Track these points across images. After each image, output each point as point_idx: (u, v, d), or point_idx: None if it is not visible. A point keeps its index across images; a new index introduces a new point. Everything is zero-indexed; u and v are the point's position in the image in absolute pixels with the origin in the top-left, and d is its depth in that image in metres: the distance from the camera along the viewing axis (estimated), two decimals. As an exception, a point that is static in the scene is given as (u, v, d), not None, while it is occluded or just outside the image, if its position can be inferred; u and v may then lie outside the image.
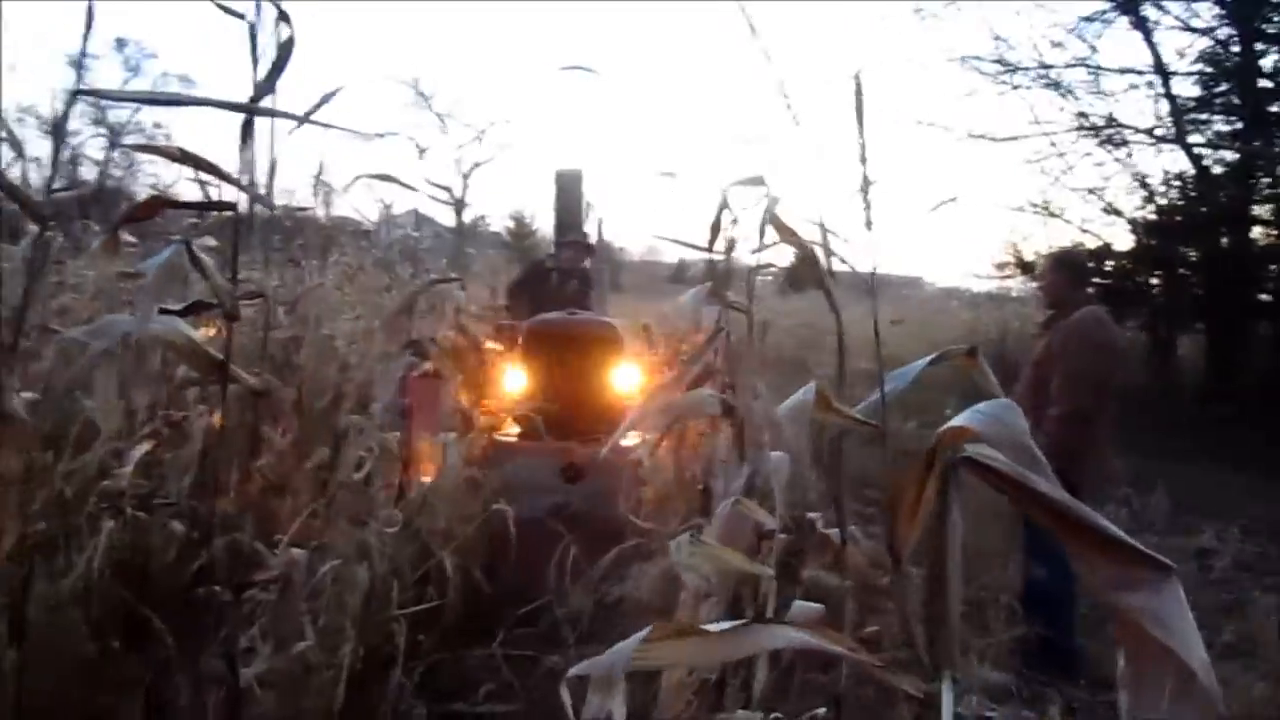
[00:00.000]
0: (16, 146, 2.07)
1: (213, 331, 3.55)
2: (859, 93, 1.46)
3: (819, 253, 1.79)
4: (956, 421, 0.91)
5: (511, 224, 35.65)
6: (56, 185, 1.63)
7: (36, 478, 3.30)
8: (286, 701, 2.16)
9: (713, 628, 0.88)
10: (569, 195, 6.39)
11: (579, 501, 4.01)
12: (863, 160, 1.40)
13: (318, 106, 1.75)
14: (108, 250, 1.83)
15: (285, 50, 1.76)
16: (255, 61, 1.75)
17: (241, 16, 1.78)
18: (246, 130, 1.71)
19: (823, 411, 1.38)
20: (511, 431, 4.45)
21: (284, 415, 5.32)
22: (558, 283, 5.76)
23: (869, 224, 1.40)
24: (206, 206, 1.87)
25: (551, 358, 4.53)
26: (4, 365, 1.44)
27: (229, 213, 1.80)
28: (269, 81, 1.72)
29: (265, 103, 1.69)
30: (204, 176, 1.83)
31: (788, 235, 1.84)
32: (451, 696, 3.00)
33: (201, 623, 2.24)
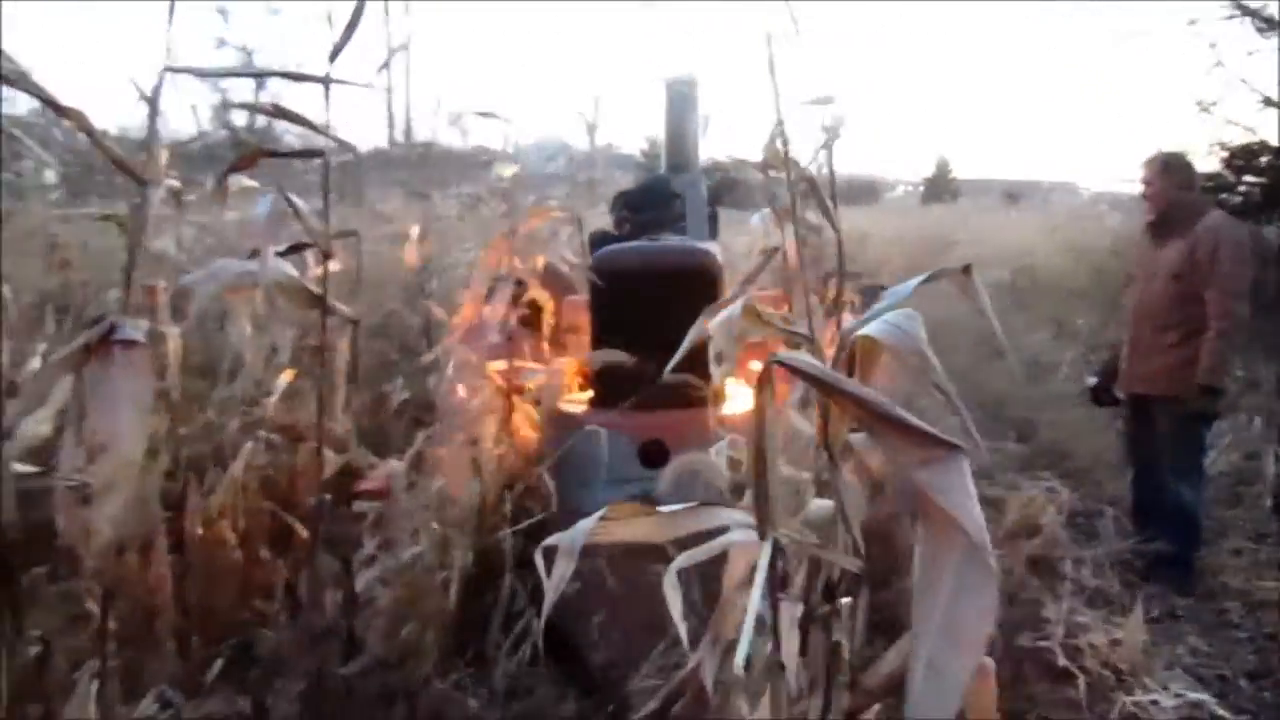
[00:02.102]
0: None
1: (336, 267, 3.82)
2: None
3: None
4: (865, 331, 1.00)
5: (646, 145, 35.66)
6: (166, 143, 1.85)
7: (193, 405, 3.68)
8: (403, 602, 2.40)
9: (665, 509, 1.01)
10: (680, 107, 5.56)
11: (664, 492, 3.24)
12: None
13: (385, 64, 1.91)
14: (216, 199, 2.04)
15: (357, 13, 1.92)
16: (331, 23, 1.90)
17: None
18: (327, 88, 1.89)
19: (751, 321, 1.36)
20: (578, 398, 3.51)
21: (413, 342, 5.64)
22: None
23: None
24: (297, 154, 2.05)
25: (627, 300, 3.34)
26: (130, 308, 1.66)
27: (318, 159, 1.98)
28: (344, 40, 1.88)
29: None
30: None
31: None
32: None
33: (333, 532, 2.48)
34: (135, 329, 1.28)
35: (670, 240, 3.76)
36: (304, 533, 2.56)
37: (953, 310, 9.20)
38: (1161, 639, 3.53)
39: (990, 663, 1.03)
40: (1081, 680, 2.77)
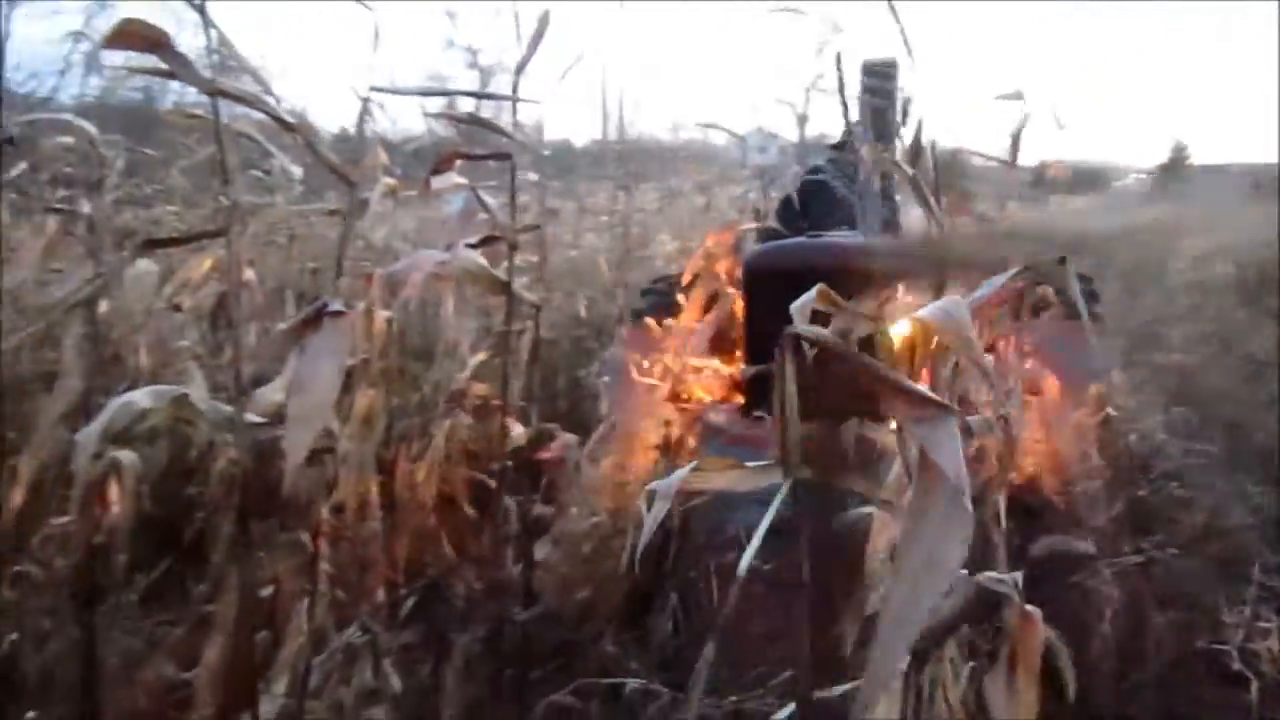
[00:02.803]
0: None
1: (536, 258, 4.14)
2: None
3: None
4: (919, 314, 1.09)
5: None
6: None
7: (407, 382, 4.07)
8: (578, 562, 2.63)
9: (751, 464, 1.16)
10: (879, 91, 5.45)
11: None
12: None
13: (565, 74, 2.13)
14: (421, 196, 2.32)
15: (542, 25, 2.14)
16: (518, 37, 2.14)
17: (511, -2, 2.17)
18: (515, 97, 2.13)
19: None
20: (727, 406, 3.28)
21: (611, 330, 5.93)
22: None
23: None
24: (488, 157, 2.30)
25: (782, 302, 3.02)
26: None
27: (506, 160, 2.22)
28: (528, 55, 2.11)
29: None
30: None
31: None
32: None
33: (515, 496, 2.74)
34: (342, 303, 1.54)
35: (832, 236, 3.46)
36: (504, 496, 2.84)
37: (1175, 306, 8.71)
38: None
39: (1036, 611, 1.12)
40: (1255, 686, 2.68)
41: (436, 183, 2.41)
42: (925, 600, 0.74)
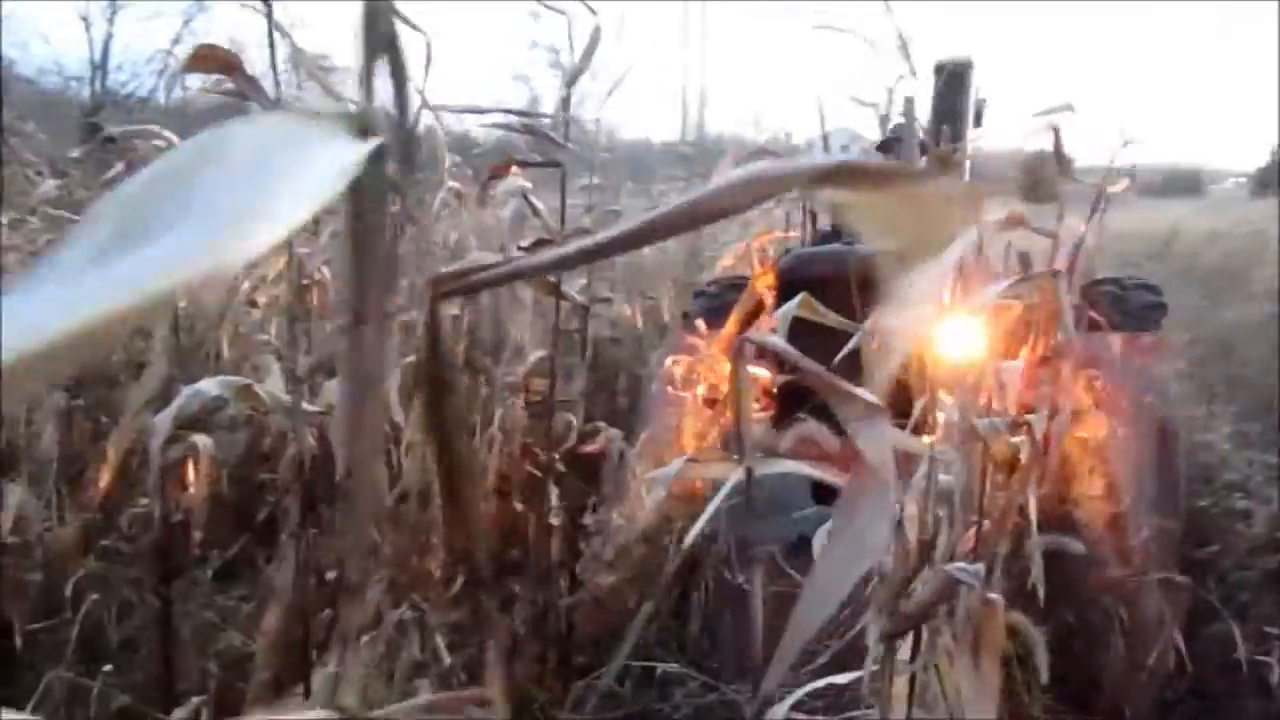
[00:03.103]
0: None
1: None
2: None
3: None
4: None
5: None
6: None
7: (475, 376, 4.24)
8: (622, 555, 2.75)
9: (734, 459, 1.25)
10: (953, 91, 5.17)
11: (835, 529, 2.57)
12: None
13: (610, 91, 2.25)
14: (479, 202, 2.46)
15: (594, 40, 2.26)
16: (571, 48, 2.26)
17: (562, 12, 2.29)
18: (565, 104, 2.26)
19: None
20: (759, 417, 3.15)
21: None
22: None
23: None
24: (540, 165, 2.43)
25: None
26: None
27: (556, 167, 2.35)
28: (580, 69, 2.22)
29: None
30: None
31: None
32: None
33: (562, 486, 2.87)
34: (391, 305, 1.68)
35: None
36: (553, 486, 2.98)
37: (1255, 314, 8.50)
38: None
39: (999, 599, 1.20)
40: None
41: (497, 187, 2.54)
42: (848, 580, 0.83)
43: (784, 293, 3.08)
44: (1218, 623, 3.20)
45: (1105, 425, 3.31)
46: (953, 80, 5.12)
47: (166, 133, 2.20)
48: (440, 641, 2.18)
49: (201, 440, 2.58)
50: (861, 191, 0.61)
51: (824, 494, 2.64)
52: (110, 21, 17.04)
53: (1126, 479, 3.18)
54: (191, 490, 2.52)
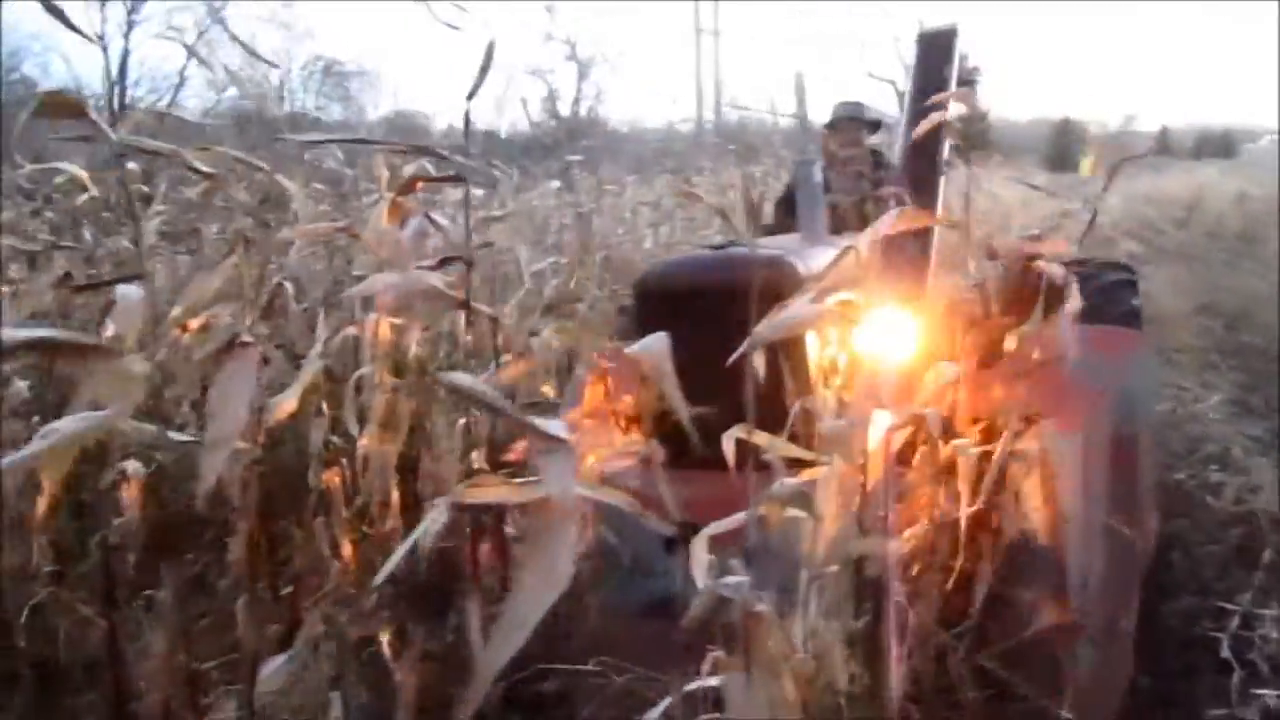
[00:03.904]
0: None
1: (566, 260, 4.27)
2: None
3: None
4: (629, 350, 1.18)
5: (965, 109, 34.05)
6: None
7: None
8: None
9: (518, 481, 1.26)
10: (936, 61, 4.66)
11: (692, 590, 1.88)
12: None
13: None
14: (392, 217, 2.49)
15: (487, 60, 2.29)
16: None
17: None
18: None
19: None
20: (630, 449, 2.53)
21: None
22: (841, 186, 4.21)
23: None
24: (442, 180, 2.46)
25: (671, 329, 2.00)
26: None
27: (460, 184, 2.39)
28: (478, 84, 2.26)
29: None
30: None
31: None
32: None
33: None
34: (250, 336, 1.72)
35: (740, 249, 2.73)
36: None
37: (1268, 282, 8.33)
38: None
39: (766, 609, 1.20)
40: (1237, 673, 2.66)
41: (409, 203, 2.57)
42: (541, 604, 0.86)
43: (649, 308, 2.78)
44: (1184, 597, 3.18)
45: (1051, 438, 2.68)
46: (935, 49, 4.64)
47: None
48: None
49: (132, 465, 2.66)
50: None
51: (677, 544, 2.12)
52: (126, 39, 17.47)
53: (1072, 505, 2.64)
54: (127, 514, 2.59)
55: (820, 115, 4.59)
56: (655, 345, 1.67)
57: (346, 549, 3.08)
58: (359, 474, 3.11)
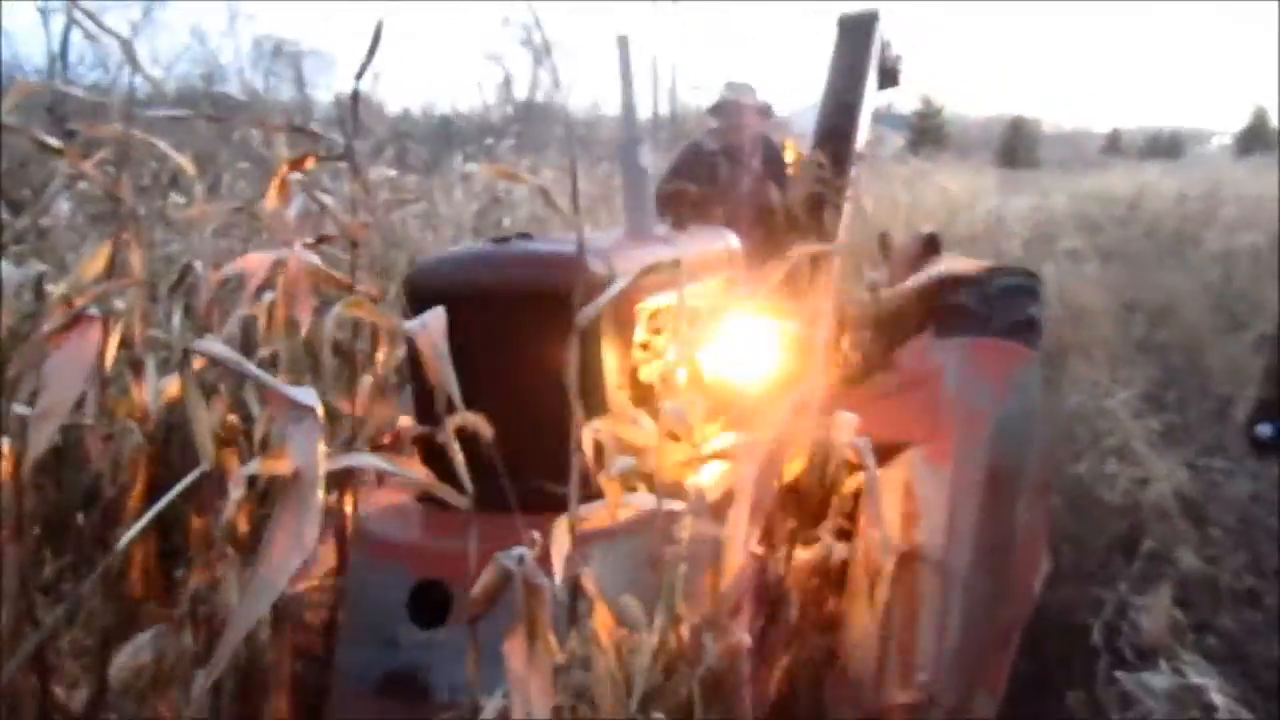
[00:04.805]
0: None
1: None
2: None
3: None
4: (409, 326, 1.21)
5: (920, 105, 34.47)
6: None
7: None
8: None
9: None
10: (854, 47, 4.63)
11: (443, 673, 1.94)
12: None
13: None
14: (280, 196, 2.47)
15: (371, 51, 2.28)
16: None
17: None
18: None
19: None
20: (405, 480, 2.20)
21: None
22: (727, 172, 4.02)
23: None
24: (329, 158, 2.44)
25: (455, 336, 1.64)
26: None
27: (343, 162, 2.38)
28: (364, 66, 2.24)
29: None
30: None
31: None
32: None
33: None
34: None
35: (531, 244, 2.49)
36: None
37: (1194, 280, 8.52)
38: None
39: (545, 582, 1.23)
40: (1104, 658, 2.74)
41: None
42: (289, 568, 0.88)
43: (416, 309, 2.14)
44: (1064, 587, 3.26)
45: (918, 469, 2.59)
46: (853, 34, 4.65)
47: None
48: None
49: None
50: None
51: (427, 614, 2.00)
52: (68, 14, 17.04)
53: (934, 552, 2.43)
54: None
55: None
56: (433, 322, 1.53)
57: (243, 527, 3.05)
58: (258, 452, 3.08)
